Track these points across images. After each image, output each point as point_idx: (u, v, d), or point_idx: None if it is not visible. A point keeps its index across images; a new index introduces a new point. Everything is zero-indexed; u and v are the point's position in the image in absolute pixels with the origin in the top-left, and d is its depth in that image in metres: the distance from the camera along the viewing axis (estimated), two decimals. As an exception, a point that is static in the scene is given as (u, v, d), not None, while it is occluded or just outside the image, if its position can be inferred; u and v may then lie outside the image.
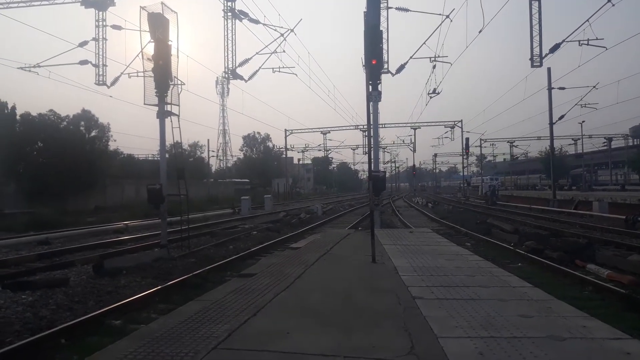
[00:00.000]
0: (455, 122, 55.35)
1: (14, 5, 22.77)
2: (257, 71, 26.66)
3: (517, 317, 4.93)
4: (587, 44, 20.96)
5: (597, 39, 20.69)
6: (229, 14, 24.85)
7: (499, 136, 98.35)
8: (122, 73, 21.73)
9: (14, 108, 33.49)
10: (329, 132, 63.98)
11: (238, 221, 25.42)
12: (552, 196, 33.77)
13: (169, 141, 14.04)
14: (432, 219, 26.79)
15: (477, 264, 8.48)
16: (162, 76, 13.07)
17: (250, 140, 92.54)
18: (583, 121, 53.54)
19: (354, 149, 72.25)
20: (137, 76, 18.91)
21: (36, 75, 24.08)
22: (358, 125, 58.27)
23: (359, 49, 13.62)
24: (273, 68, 28.77)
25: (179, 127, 13.56)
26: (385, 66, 19.39)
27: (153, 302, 7.90)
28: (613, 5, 17.43)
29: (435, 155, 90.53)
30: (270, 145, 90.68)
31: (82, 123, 37.46)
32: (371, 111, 11.73)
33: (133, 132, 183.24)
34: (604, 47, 20.99)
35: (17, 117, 33.60)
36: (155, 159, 50.29)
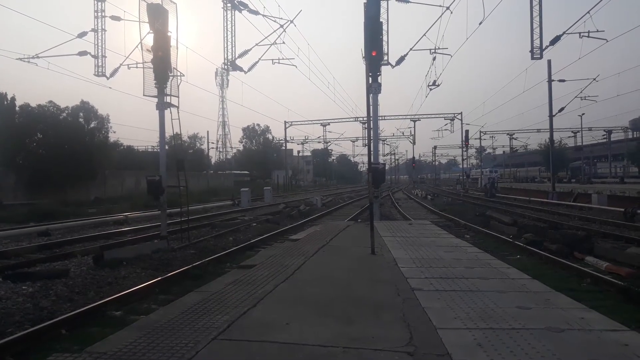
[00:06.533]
0: (455, 115, 55.27)
1: (12, -4, 22.61)
2: (256, 62, 26.56)
3: (516, 308, 4.95)
4: (588, 36, 20.87)
5: (597, 31, 20.60)
6: (229, 4, 24.71)
7: (498, 128, 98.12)
8: (121, 64, 21.58)
9: (13, 99, 33.32)
10: (329, 124, 63.98)
11: (238, 213, 25.45)
12: (551, 189, 33.79)
13: (168, 133, 14.05)
14: (431, 211, 26.82)
15: (476, 256, 8.51)
16: (162, 67, 13.03)
17: (249, 132, 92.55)
18: (583, 114, 53.58)
19: (353, 141, 72.37)
20: (137, 67, 18.78)
21: (35, 66, 23.97)
22: (358, 117, 58.14)
23: (359, 40, 13.55)
24: (273, 59, 28.62)
25: (179, 119, 13.57)
26: (385, 58, 19.25)
27: (153, 293, 7.95)
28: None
29: (435, 147, 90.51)
30: (270, 137, 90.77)
31: (81, 114, 37.26)
32: (371, 103, 11.70)
33: (132, 124, 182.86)
34: (605, 39, 20.91)
35: (17, 108, 33.41)
36: (155, 150, 50.25)
